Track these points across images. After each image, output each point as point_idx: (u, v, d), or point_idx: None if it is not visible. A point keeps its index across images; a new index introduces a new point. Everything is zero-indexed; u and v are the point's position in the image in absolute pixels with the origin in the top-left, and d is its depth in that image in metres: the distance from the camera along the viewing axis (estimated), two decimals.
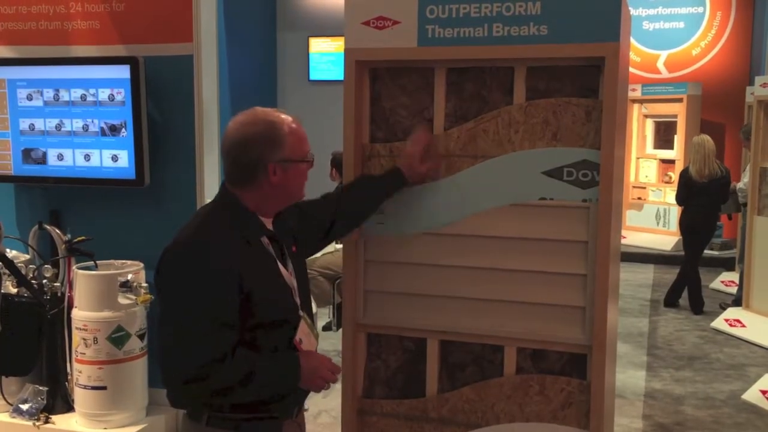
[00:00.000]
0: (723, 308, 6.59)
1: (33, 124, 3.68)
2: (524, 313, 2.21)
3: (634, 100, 9.81)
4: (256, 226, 1.86)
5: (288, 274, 1.91)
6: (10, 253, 3.62)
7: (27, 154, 3.71)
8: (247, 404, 1.81)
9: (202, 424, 1.82)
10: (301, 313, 1.92)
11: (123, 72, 3.48)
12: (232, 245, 1.77)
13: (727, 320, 6.16)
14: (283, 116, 1.84)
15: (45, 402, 3.61)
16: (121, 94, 3.51)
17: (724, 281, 7.65)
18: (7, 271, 3.42)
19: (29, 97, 3.66)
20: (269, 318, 1.82)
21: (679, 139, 9.33)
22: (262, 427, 1.85)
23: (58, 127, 3.64)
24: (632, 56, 10.08)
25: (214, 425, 1.81)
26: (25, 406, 3.61)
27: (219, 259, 1.73)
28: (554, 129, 2.16)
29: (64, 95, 3.60)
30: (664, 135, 9.85)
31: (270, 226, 1.90)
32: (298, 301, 1.92)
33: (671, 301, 6.82)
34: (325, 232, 2.17)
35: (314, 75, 9.78)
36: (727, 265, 8.35)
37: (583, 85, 2.15)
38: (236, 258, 1.75)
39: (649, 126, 9.98)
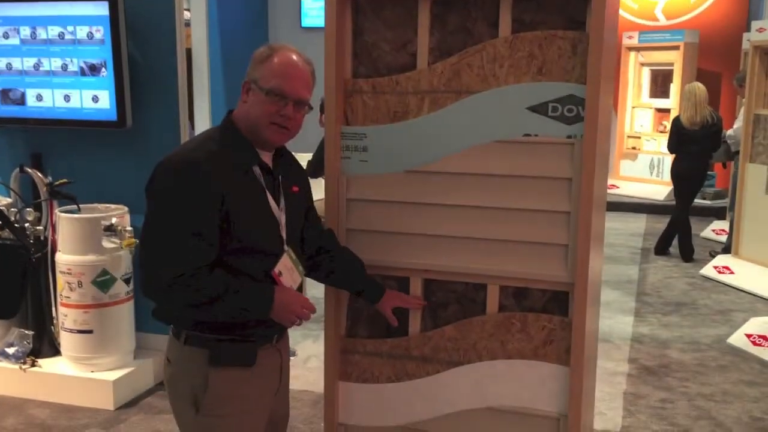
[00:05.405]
0: (712, 256, 6.61)
1: (10, 64, 3.59)
2: (507, 251, 2.18)
3: (631, 48, 9.68)
4: (250, 154, 1.89)
5: (277, 208, 1.93)
6: None
7: (5, 95, 3.64)
8: (224, 326, 1.85)
9: (180, 342, 1.89)
10: (285, 247, 1.95)
11: (101, 9, 3.39)
12: (221, 167, 1.81)
13: (716, 267, 6.18)
14: (287, 52, 1.90)
15: (31, 346, 3.61)
16: (100, 32, 3.42)
17: (715, 230, 7.66)
18: None
19: (5, 35, 3.56)
20: (249, 245, 1.86)
21: (675, 88, 9.23)
22: (236, 350, 1.88)
23: (36, 66, 3.56)
24: (630, 3, 9.90)
25: (191, 344, 1.88)
26: (11, 350, 3.61)
27: (205, 178, 1.78)
28: (540, 63, 2.10)
29: (42, 33, 3.51)
30: (660, 85, 9.75)
31: (268, 160, 1.93)
32: (284, 235, 1.94)
33: (661, 249, 6.84)
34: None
35: (306, 22, 9.61)
36: (719, 214, 8.35)
37: (571, 17, 2.09)
38: (223, 180, 1.80)
39: (645, 75, 9.87)
